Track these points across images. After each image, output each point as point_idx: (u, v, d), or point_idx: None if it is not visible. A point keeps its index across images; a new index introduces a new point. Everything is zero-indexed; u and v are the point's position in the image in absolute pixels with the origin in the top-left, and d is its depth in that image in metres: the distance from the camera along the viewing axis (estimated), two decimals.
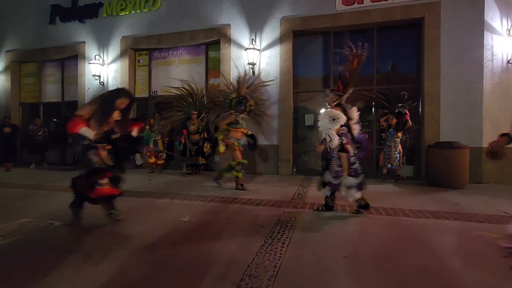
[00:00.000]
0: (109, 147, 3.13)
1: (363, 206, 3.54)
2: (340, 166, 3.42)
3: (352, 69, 3.50)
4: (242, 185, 5.13)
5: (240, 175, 5.18)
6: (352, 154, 3.43)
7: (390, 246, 2.58)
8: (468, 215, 3.55)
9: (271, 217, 3.41)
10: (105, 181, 3.08)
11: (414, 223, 3.26)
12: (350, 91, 3.58)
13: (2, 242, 2.65)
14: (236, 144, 5.15)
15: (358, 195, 3.40)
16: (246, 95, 5.92)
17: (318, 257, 2.33)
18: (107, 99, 3.12)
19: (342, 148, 3.40)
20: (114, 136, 3.14)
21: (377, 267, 2.15)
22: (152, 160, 7.41)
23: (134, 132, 3.30)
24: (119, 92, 3.22)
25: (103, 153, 3.10)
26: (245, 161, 5.27)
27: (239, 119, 5.22)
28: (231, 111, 5.34)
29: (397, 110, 5.92)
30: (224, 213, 3.66)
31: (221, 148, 5.07)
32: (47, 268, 2.11)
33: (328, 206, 3.69)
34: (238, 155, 5.17)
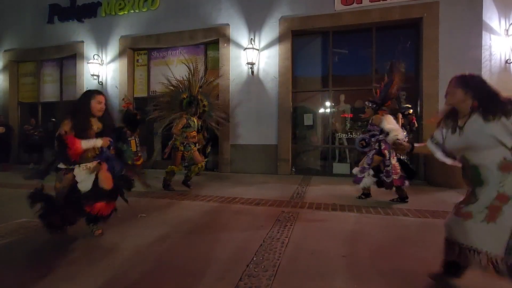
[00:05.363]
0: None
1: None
2: (369, 165, 4.09)
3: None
4: (188, 185, 4.97)
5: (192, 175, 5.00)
6: (387, 158, 3.99)
7: (388, 246, 2.58)
8: None
9: (270, 216, 3.41)
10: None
11: (413, 222, 3.27)
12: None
13: (0, 242, 2.65)
14: (193, 147, 4.93)
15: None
16: (197, 96, 5.71)
17: (317, 256, 2.34)
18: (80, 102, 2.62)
19: (379, 152, 4.03)
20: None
21: (376, 267, 2.16)
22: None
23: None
24: (89, 93, 2.69)
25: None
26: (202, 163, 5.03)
27: (190, 122, 4.93)
28: (182, 113, 5.06)
29: (406, 112, 5.76)
30: (223, 213, 3.66)
31: (185, 154, 4.84)
32: (46, 268, 2.10)
33: (366, 194, 4.34)
34: (198, 157, 4.97)
